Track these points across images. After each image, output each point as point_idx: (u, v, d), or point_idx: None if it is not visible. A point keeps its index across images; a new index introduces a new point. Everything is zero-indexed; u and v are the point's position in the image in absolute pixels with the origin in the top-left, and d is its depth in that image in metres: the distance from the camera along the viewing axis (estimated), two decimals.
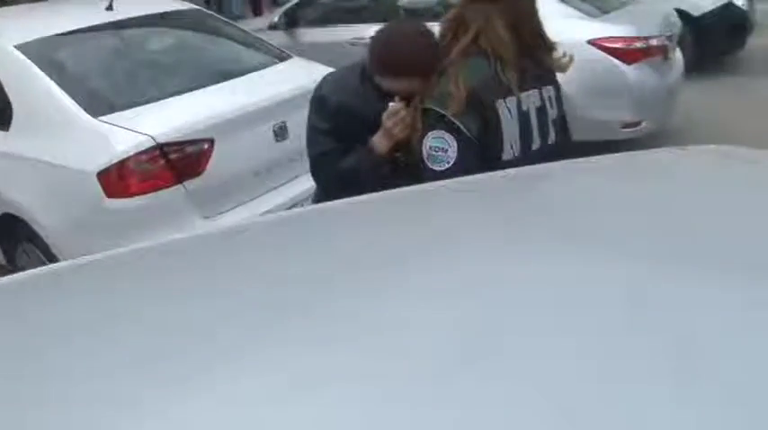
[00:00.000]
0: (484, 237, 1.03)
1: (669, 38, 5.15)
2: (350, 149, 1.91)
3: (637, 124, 4.81)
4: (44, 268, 1.16)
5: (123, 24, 3.79)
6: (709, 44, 6.84)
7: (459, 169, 1.66)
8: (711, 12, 6.99)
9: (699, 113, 5.67)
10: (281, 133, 3.41)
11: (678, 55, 5.44)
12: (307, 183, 3.42)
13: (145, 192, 3.02)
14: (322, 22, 6.10)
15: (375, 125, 1.86)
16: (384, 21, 5.64)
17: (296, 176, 3.48)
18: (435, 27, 1.89)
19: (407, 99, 1.83)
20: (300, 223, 1.28)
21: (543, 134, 1.85)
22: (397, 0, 5.64)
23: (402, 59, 1.84)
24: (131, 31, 3.89)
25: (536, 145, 1.83)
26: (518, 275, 0.87)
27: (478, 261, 0.94)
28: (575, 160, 1.39)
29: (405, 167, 1.85)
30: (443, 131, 1.73)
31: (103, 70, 3.52)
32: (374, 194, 1.27)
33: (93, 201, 3.01)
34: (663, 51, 4.99)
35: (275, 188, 3.45)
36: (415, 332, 0.76)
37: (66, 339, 0.86)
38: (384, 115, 1.83)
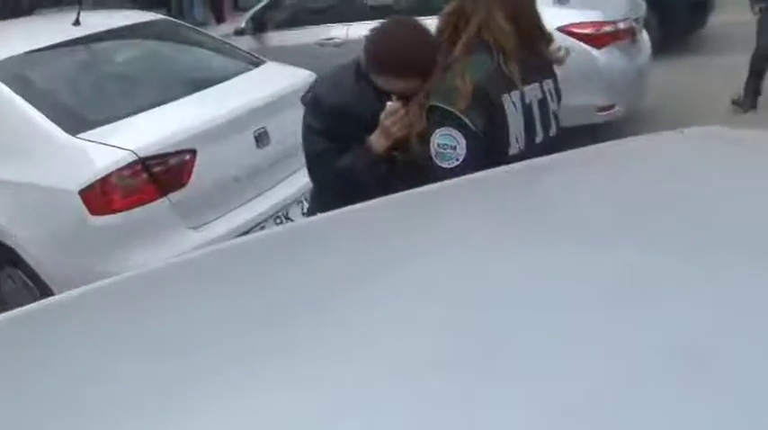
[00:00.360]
0: (487, 236, 1.02)
1: (636, 20, 5.21)
2: (347, 149, 1.89)
3: (611, 107, 4.87)
4: (25, 308, 1.12)
5: (94, 39, 3.72)
6: (672, 24, 6.93)
7: (469, 165, 1.64)
8: None
9: (670, 93, 5.75)
10: (262, 139, 3.39)
11: (645, 37, 5.50)
12: (292, 187, 3.43)
13: (129, 208, 2.97)
14: (289, 25, 6.05)
15: (371, 124, 1.85)
16: (351, 21, 5.60)
17: (281, 181, 3.47)
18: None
19: (405, 97, 1.82)
20: (308, 233, 1.27)
21: (545, 126, 1.86)
22: None
23: (399, 59, 1.82)
24: (103, 45, 3.82)
25: (539, 138, 1.84)
26: (519, 274, 0.87)
27: (484, 261, 0.93)
28: (574, 151, 1.39)
29: (403, 166, 1.85)
30: (451, 128, 1.72)
31: (77, 87, 3.45)
32: (382, 198, 1.25)
33: (76, 220, 2.95)
34: (631, 34, 5.05)
35: (260, 194, 3.42)
36: (414, 334, 0.76)
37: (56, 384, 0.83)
38: (382, 114, 1.82)
